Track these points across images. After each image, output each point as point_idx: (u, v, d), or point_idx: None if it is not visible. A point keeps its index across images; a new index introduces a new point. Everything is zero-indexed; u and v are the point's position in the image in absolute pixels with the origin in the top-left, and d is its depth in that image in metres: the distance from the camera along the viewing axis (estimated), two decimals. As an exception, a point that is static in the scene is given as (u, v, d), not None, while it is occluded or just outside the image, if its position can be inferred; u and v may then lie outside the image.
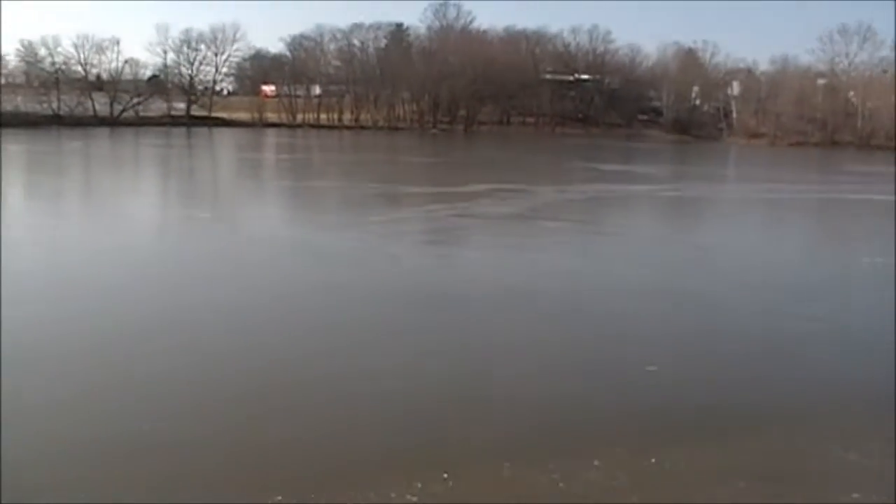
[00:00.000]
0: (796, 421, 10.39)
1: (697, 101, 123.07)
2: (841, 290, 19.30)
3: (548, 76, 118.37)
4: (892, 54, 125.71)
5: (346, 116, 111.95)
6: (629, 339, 14.03)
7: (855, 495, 8.35)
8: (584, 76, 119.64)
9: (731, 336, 14.65)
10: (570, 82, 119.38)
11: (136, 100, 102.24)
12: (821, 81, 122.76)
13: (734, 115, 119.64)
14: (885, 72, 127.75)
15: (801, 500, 8.33)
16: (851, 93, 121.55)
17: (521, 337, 14.11)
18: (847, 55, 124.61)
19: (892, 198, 44.40)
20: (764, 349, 13.80)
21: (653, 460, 8.93)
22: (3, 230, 22.30)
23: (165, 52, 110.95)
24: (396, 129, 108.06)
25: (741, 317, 16.00)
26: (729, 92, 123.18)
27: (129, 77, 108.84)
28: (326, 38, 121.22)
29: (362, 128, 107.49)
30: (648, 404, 10.89)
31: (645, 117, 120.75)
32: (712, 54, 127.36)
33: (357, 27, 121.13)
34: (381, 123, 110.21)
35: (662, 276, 19.65)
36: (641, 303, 16.64)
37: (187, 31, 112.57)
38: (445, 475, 8.39)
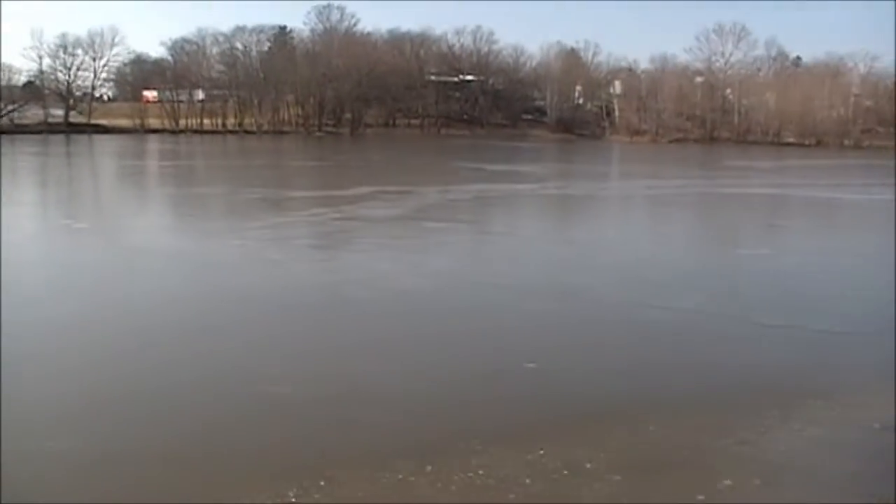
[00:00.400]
0: (673, 411, 10.42)
1: (580, 101, 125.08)
2: (718, 283, 19.52)
3: (433, 77, 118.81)
4: (766, 53, 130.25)
5: (231, 121, 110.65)
6: (510, 337, 13.99)
7: (727, 482, 8.38)
8: (469, 77, 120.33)
9: (610, 331, 14.78)
10: (455, 83, 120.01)
11: (10, 107, 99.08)
12: (699, 80, 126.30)
13: (616, 113, 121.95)
14: (759, 70, 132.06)
15: (674, 490, 8.30)
16: (728, 90, 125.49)
17: (401, 337, 13.96)
18: (723, 54, 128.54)
19: (768, 191, 45.68)
20: (642, 342, 13.94)
21: (529, 457, 8.83)
22: None
23: (41, 57, 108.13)
24: (281, 133, 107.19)
25: (620, 311, 16.09)
26: (611, 91, 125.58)
27: (3, 83, 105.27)
28: (209, 42, 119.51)
29: (247, 132, 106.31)
30: (527, 401, 10.84)
31: (529, 117, 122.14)
32: (594, 54, 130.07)
33: (240, 30, 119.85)
34: (265, 128, 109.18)
35: (544, 274, 19.77)
36: (523, 300, 16.62)
37: (63, 36, 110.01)
38: (322, 482, 8.18)
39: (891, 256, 23.03)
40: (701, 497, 8.06)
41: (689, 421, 10.04)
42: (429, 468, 8.49)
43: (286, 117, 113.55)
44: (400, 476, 8.32)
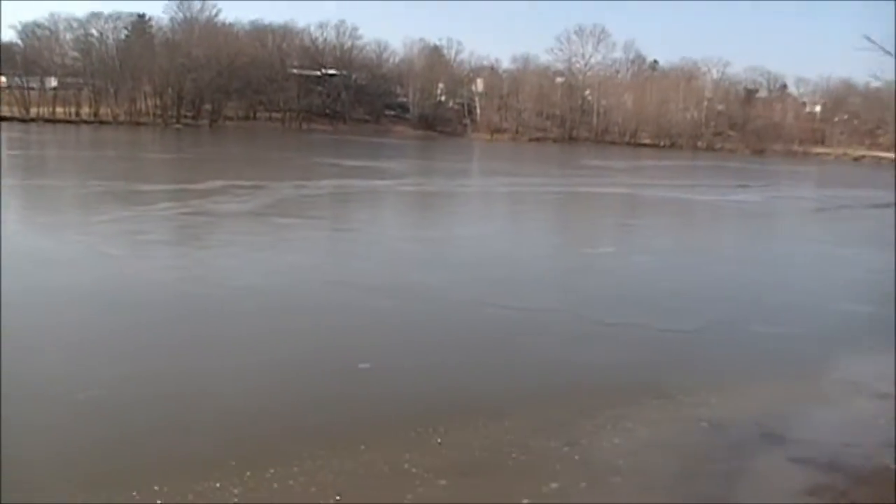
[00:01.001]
0: (505, 412, 10.35)
1: (443, 98, 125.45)
2: (563, 281, 19.72)
3: (295, 71, 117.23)
4: (624, 56, 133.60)
5: (85, 110, 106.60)
6: (348, 337, 13.75)
7: (553, 485, 8.35)
8: (332, 71, 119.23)
9: (450, 330, 14.72)
10: (318, 77, 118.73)
11: None
12: (559, 80, 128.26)
13: (478, 111, 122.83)
14: (617, 72, 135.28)
15: (498, 493, 8.22)
16: (588, 91, 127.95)
17: (237, 336, 13.56)
18: (583, 56, 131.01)
19: (622, 191, 46.67)
20: (481, 342, 13.94)
21: (353, 461, 8.66)
22: None
23: None
24: (138, 124, 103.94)
25: (463, 310, 16.01)
26: (473, 89, 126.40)
27: None
28: (62, 27, 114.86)
29: (102, 123, 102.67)
30: (357, 403, 10.65)
31: (392, 113, 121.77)
32: (457, 52, 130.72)
33: (95, 16, 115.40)
34: (121, 118, 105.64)
35: (393, 272, 19.56)
36: (368, 299, 16.39)
37: None
38: (135, 492, 7.82)
39: (735, 255, 23.75)
40: (525, 501, 8.00)
41: (522, 422, 9.98)
42: (248, 474, 8.20)
43: (143, 108, 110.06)
44: (218, 484, 8.00)
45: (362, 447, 8.97)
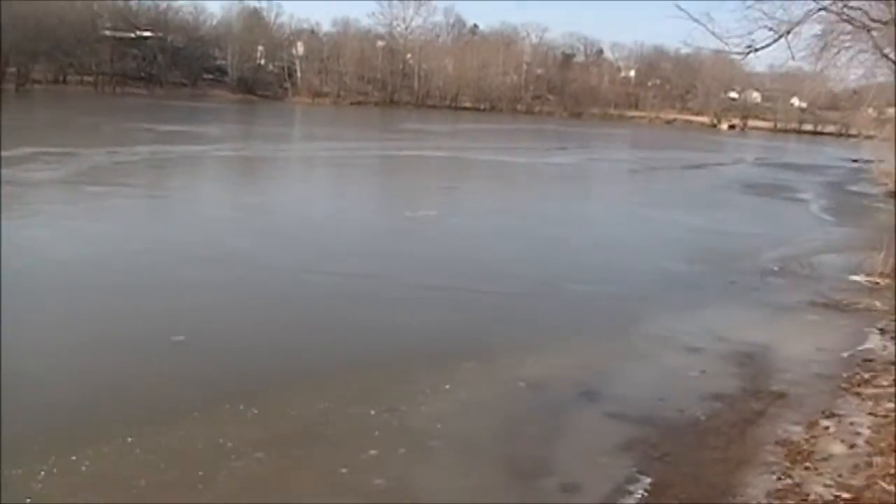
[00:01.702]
0: (324, 381, 10.13)
1: (262, 61, 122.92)
2: (384, 246, 19.56)
3: (107, 33, 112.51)
4: (445, 20, 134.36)
5: None
6: (162, 309, 13.07)
7: (372, 452, 8.23)
8: (147, 33, 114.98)
9: (268, 298, 14.26)
10: (132, 40, 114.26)
11: None
12: (380, 44, 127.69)
13: (299, 75, 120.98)
14: (438, 37, 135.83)
15: (317, 463, 8.04)
16: (409, 55, 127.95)
17: (39, 310, 12.71)
18: (404, 20, 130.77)
19: (443, 154, 46.89)
20: (301, 310, 13.68)
21: (169, 439, 8.27)
22: None
23: None
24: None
25: (282, 278, 15.66)
26: (293, 52, 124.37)
27: None
28: None
29: None
30: (171, 378, 10.14)
31: (210, 77, 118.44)
32: (277, 14, 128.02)
33: None
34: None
35: (209, 240, 18.96)
36: (183, 268, 15.83)
37: None
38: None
39: (554, 217, 24.16)
40: (344, 470, 7.84)
41: (341, 390, 9.79)
42: (53, 458, 7.69)
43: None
44: (20, 471, 7.44)
45: (177, 423, 8.60)
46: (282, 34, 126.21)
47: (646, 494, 7.69)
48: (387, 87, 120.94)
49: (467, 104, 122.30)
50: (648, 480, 7.94)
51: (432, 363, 10.89)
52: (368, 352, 11.49)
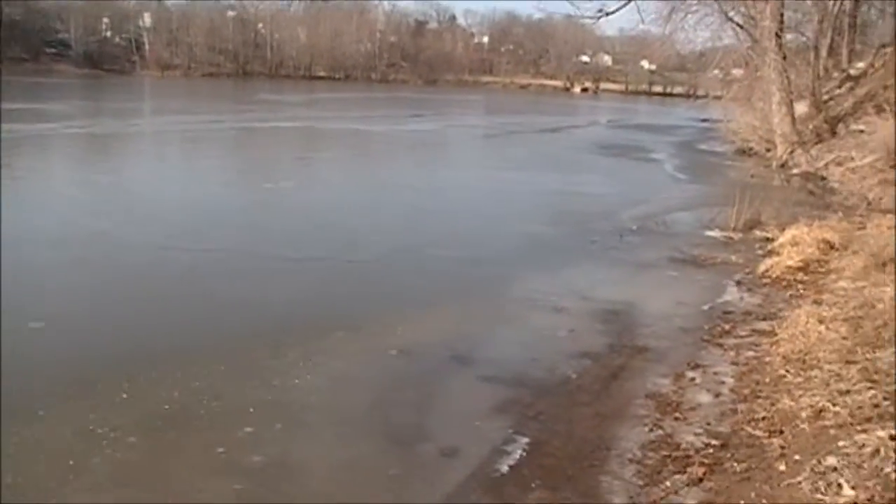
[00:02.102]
0: (194, 359, 9.76)
1: (108, 34, 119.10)
2: (243, 219, 19.20)
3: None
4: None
5: None
6: (13, 295, 12.37)
7: (248, 429, 8.05)
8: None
9: (128, 279, 13.65)
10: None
11: None
12: (231, 14, 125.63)
13: (147, 47, 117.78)
14: (289, 6, 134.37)
15: (192, 445, 7.81)
16: (261, 25, 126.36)
17: None
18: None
19: (299, 124, 46.42)
20: (162, 288, 13.19)
21: (33, 428, 7.93)
22: None
23: None
24: None
25: (140, 257, 15.03)
26: (140, 24, 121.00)
27: None
28: None
29: None
30: (33, 365, 9.61)
31: (53, 51, 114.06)
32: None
33: None
34: None
35: (59, 221, 18.11)
36: (32, 251, 15.04)
37: None
38: None
39: (414, 184, 24.13)
40: (220, 449, 7.66)
41: (213, 368, 9.51)
42: None
43: None
44: None
45: (41, 414, 8.21)
46: (128, 5, 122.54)
47: (523, 454, 7.75)
48: (239, 57, 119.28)
49: (322, 73, 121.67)
50: (525, 440, 8.01)
51: (302, 336, 10.69)
52: (237, 328, 11.22)
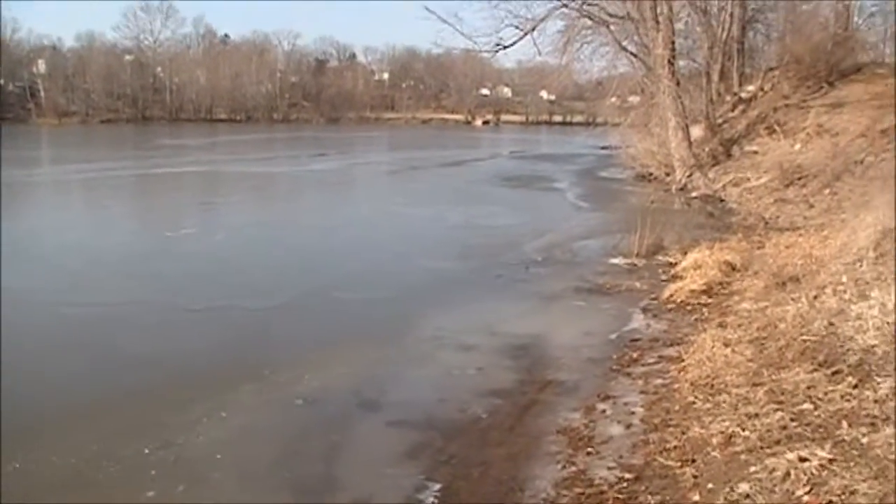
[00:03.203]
0: (90, 420, 9.41)
1: (1, 81, 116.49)
2: (143, 268, 18.66)
3: None
4: (194, 31, 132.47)
5: None
6: None
7: (150, 493, 7.77)
8: None
9: (20, 337, 13.00)
10: None
11: None
12: (128, 58, 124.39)
13: (42, 94, 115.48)
14: (188, 48, 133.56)
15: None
16: (159, 69, 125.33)
17: None
18: (152, 32, 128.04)
19: (201, 168, 45.83)
20: (62, 344, 12.75)
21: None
22: None
23: None
24: None
25: (32, 312, 14.54)
26: (35, 70, 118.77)
27: None
28: None
29: None
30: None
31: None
32: (14, 31, 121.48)
33: None
34: None
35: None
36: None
37: None
38: None
39: (319, 224, 23.91)
40: (121, 516, 7.35)
41: (111, 429, 9.19)
42: None
43: None
44: None
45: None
46: (21, 51, 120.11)
47: (435, 501, 7.59)
48: (138, 102, 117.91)
49: (223, 116, 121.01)
50: (437, 486, 7.85)
51: (207, 389, 10.37)
52: (139, 384, 10.78)
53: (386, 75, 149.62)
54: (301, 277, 17.73)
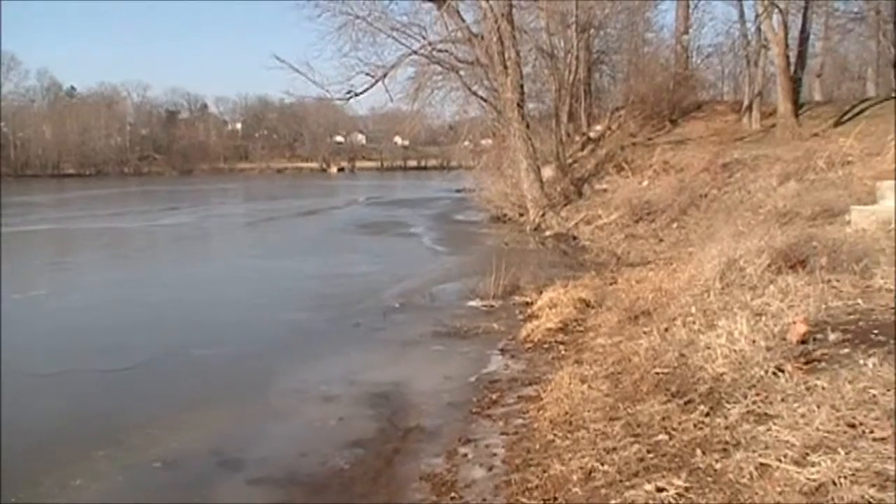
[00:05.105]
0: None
1: None
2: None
3: None
4: (38, 83, 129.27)
5: None
6: None
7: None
8: None
9: None
10: None
11: None
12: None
13: None
14: (33, 102, 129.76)
15: None
16: (3, 123, 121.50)
17: None
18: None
19: (49, 227, 44.39)
20: None
21: None
22: None
23: None
24: None
25: None
26: None
27: None
28: None
29: None
30: None
31: None
32: None
33: None
34: None
35: None
36: None
37: None
38: None
39: (173, 280, 23.40)
40: None
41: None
42: None
43: None
44: None
45: None
46: None
47: (300, 559, 7.47)
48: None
49: (71, 171, 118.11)
50: (301, 543, 7.73)
51: (58, 461, 9.91)
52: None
53: (239, 125, 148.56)
54: (158, 336, 17.24)
